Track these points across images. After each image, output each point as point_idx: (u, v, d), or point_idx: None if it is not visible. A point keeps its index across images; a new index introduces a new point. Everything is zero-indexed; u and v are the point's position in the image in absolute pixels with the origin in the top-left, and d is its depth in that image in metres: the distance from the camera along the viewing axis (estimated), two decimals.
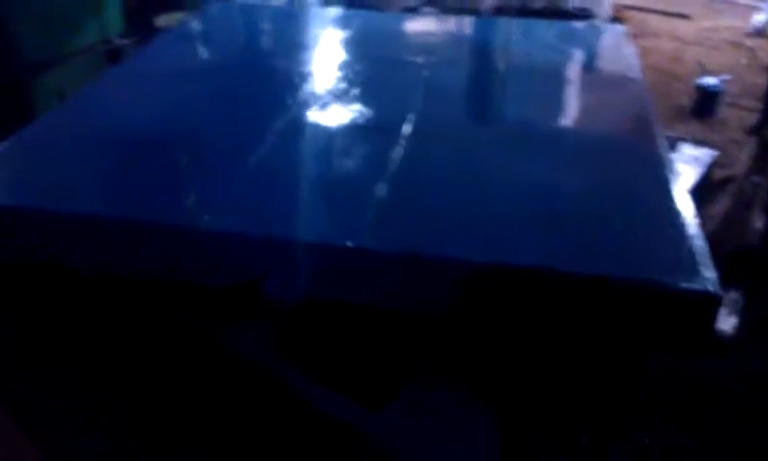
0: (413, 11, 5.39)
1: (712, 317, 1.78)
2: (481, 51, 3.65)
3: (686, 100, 5.38)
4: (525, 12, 5.29)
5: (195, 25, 4.03)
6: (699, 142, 3.90)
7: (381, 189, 2.20)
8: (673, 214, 2.05)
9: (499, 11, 5.15)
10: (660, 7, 8.04)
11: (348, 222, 2.04)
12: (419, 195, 2.21)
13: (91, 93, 3.09)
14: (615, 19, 6.76)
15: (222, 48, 3.69)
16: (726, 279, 1.80)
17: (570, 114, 2.82)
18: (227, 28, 3.97)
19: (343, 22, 3.91)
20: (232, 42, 3.80)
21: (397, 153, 2.42)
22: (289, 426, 2.21)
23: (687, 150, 3.17)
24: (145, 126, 2.64)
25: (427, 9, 5.58)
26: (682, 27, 7.53)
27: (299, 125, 2.68)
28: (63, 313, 2.52)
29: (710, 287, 1.75)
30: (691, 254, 1.86)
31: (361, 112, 2.75)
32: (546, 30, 3.80)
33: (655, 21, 7.67)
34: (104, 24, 4.72)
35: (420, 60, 3.34)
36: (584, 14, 5.41)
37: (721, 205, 3.60)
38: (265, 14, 4.23)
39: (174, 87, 3.08)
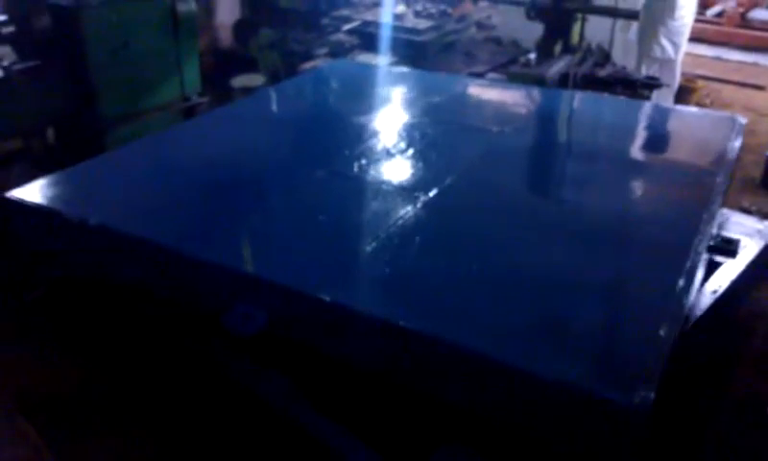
0: (479, 76, 5.47)
1: (636, 434, 1.66)
2: (549, 127, 3.70)
3: (758, 172, 5.22)
4: (592, 81, 5.28)
5: (293, 83, 4.54)
6: (766, 215, 3.76)
7: (373, 250, 2.31)
8: (643, 322, 1.97)
9: (565, 78, 5.15)
10: (735, 77, 7.87)
11: (325, 273, 2.16)
12: (403, 260, 2.29)
13: (173, 132, 3.66)
14: (686, 89, 6.67)
15: (310, 103, 4.06)
16: None
17: (613, 208, 2.75)
18: (323, 84, 4.32)
19: (422, 82, 4.22)
20: (321, 98, 4.09)
21: (411, 218, 2.52)
22: None
23: (751, 223, 3.07)
24: (204, 164, 3.01)
25: (492, 75, 5.66)
26: (757, 98, 7.33)
27: (336, 177, 2.91)
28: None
29: (634, 403, 1.63)
30: (634, 367, 1.76)
31: (399, 172, 2.92)
32: (643, 111, 3.86)
33: (729, 92, 7.50)
34: (182, 83, 4.99)
35: (483, 127, 3.46)
36: (653, 83, 5.34)
37: None
38: (360, 73, 4.60)
39: (247, 134, 3.43)
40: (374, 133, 3.34)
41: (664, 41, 5.86)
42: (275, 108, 3.96)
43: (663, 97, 5.87)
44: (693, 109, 3.82)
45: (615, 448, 1.71)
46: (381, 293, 2.14)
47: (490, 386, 1.86)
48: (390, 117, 3.59)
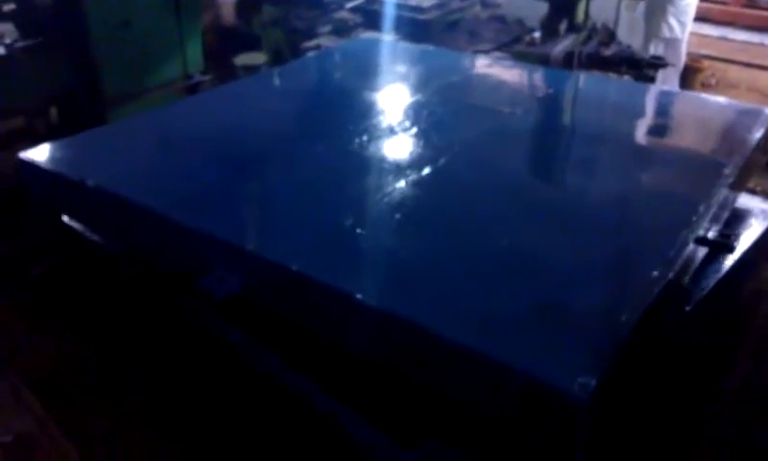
0: (484, 54, 5.43)
1: (579, 420, 1.67)
2: (565, 113, 3.70)
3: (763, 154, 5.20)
4: (597, 60, 5.24)
5: (311, 60, 4.64)
6: None
7: (349, 223, 2.36)
8: (603, 309, 1.97)
9: (569, 57, 5.11)
10: (740, 57, 7.81)
11: (296, 244, 2.23)
12: (374, 234, 2.34)
13: (180, 106, 3.83)
14: (692, 69, 6.62)
15: (323, 80, 4.09)
16: None
17: (602, 194, 2.74)
18: (340, 61, 4.34)
19: (439, 60, 4.28)
20: (335, 74, 4.13)
21: (396, 195, 2.56)
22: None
23: (755, 203, 3.06)
24: (206, 135, 3.10)
25: (498, 53, 5.62)
26: (762, 78, 7.28)
27: (333, 152, 2.97)
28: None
29: (576, 393, 1.62)
30: (581, 353, 1.76)
31: (397, 149, 2.96)
32: (662, 98, 3.84)
33: (734, 72, 7.45)
34: (185, 61, 4.96)
35: (490, 107, 3.47)
36: (658, 63, 5.30)
37: None
38: (379, 50, 4.61)
39: (255, 108, 3.50)
40: (381, 111, 3.37)
41: (672, 20, 5.82)
42: (285, 84, 3.97)
43: (669, 77, 5.83)
44: (719, 98, 3.69)
45: (562, 432, 1.72)
46: (342, 264, 2.17)
47: (440, 362, 1.88)
48: (399, 95, 3.62)
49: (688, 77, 6.53)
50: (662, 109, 3.75)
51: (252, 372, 2.42)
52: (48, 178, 2.79)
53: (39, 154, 2.84)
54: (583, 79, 4.12)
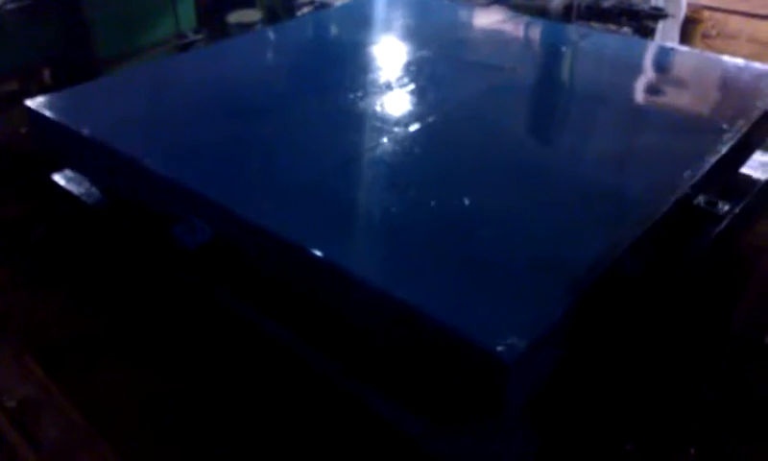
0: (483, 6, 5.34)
1: (500, 381, 1.69)
2: (575, 73, 3.58)
3: None
4: (595, 11, 5.17)
5: (320, 16, 4.59)
6: None
7: (332, 183, 2.38)
8: (552, 274, 1.94)
9: (568, 9, 5.04)
10: (741, 8, 7.70)
11: (257, 196, 2.26)
12: (337, 188, 2.35)
13: (184, 58, 3.92)
14: (692, 20, 6.53)
15: (328, 36, 4.03)
16: None
17: (584, 155, 2.70)
18: (348, 17, 4.28)
19: (449, 15, 4.27)
20: (340, 31, 4.05)
21: (375, 151, 2.57)
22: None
23: (756, 156, 3.04)
24: (207, 87, 3.15)
25: (495, 6, 5.53)
26: (763, 29, 7.20)
27: (325, 108, 2.97)
28: None
29: (500, 352, 1.64)
30: (516, 316, 1.77)
31: (389, 106, 2.93)
32: (674, 58, 3.67)
33: (734, 22, 7.35)
34: (177, 20, 4.89)
35: (493, 64, 3.41)
36: (658, 14, 5.22)
37: None
38: (390, 5, 4.44)
39: (256, 64, 3.54)
40: (379, 68, 3.34)
41: None
42: (290, 40, 3.95)
43: (669, 28, 5.75)
44: (738, 60, 3.51)
45: (490, 389, 1.74)
46: (297, 218, 2.20)
47: (381, 311, 1.92)
48: (403, 52, 3.57)
49: (688, 28, 6.43)
50: (669, 69, 3.63)
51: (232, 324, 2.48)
52: (48, 124, 2.90)
53: (42, 102, 2.97)
54: (580, 35, 3.99)
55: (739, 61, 3.49)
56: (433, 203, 2.28)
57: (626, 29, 4.87)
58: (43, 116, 2.88)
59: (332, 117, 2.89)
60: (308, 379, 2.22)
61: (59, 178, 3.08)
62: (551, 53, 3.74)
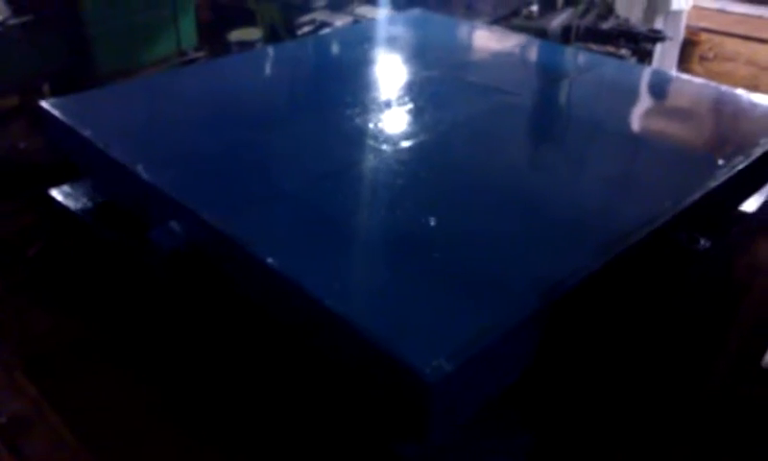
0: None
1: (423, 402, 1.66)
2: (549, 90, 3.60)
3: None
4: (594, 33, 5.20)
5: (346, 31, 4.76)
6: None
7: (302, 195, 2.42)
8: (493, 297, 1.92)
9: (567, 31, 5.08)
10: (738, 30, 7.77)
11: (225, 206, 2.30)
12: (297, 205, 2.38)
13: (204, 68, 4.08)
14: (690, 42, 6.58)
15: (344, 53, 4.04)
16: None
17: (556, 183, 2.66)
18: (368, 36, 4.30)
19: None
20: (356, 49, 4.03)
21: (353, 169, 2.60)
22: None
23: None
24: (205, 98, 3.23)
25: (495, 26, 5.57)
26: (761, 51, 7.25)
27: (318, 125, 2.99)
28: None
29: (423, 372, 1.62)
30: (447, 339, 1.74)
31: (383, 125, 2.95)
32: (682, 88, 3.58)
33: (732, 45, 7.41)
34: (178, 37, 4.92)
35: (492, 86, 3.42)
36: (656, 37, 5.26)
37: None
38: (415, 25, 4.52)
39: (264, 79, 3.66)
40: (382, 87, 3.38)
41: None
42: (293, 59, 4.00)
43: (667, 50, 5.79)
44: (747, 93, 3.44)
45: (414, 412, 1.73)
46: (254, 227, 2.22)
47: (322, 322, 1.92)
48: (399, 72, 3.61)
49: (686, 50, 6.49)
50: (672, 98, 3.58)
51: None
52: (58, 125, 3.02)
53: (54, 103, 3.10)
54: (580, 58, 4.02)
55: (748, 95, 3.44)
56: (396, 220, 2.32)
57: (624, 51, 4.91)
58: (51, 115, 3.02)
59: (322, 133, 2.92)
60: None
61: (56, 193, 3.09)
62: (547, 76, 3.76)
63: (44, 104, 3.09)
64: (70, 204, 3.02)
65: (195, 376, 2.67)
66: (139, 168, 2.55)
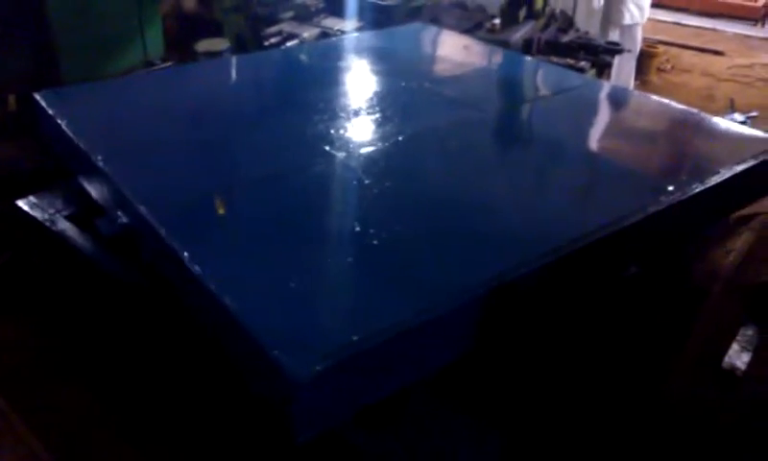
0: None
1: (285, 400, 1.65)
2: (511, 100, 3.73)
3: None
4: (555, 46, 5.34)
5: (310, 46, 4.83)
6: None
7: (236, 192, 2.50)
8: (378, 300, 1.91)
9: (529, 43, 5.21)
10: (694, 43, 8.03)
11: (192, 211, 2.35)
12: (238, 205, 2.46)
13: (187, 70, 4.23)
14: (647, 54, 6.78)
15: (331, 62, 4.05)
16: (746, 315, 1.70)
17: (496, 194, 2.66)
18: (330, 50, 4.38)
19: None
20: (321, 61, 4.13)
21: (304, 175, 2.62)
22: None
23: None
24: (180, 103, 3.34)
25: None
26: (716, 64, 7.51)
27: (280, 131, 3.03)
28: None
29: (288, 368, 1.60)
30: (322, 339, 1.72)
31: (347, 133, 2.98)
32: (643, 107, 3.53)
33: (688, 57, 7.66)
34: (145, 47, 4.93)
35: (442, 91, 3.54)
36: (614, 49, 5.42)
37: (743, 240, 3.58)
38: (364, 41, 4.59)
39: (244, 84, 3.80)
40: (349, 93, 3.47)
41: (632, 6, 5.89)
42: (287, 64, 4.14)
43: (625, 62, 5.97)
44: (714, 118, 3.33)
45: (278, 411, 1.74)
46: (180, 220, 2.27)
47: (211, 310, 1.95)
48: (366, 81, 3.68)
49: (645, 62, 6.68)
50: (639, 117, 3.52)
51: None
52: (44, 115, 3.14)
53: (44, 95, 3.23)
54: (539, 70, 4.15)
55: (715, 119, 3.35)
56: (320, 223, 2.34)
57: (584, 63, 5.05)
58: (42, 107, 3.15)
59: (281, 138, 2.95)
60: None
61: (23, 204, 3.09)
62: (503, 86, 3.90)
63: (37, 95, 3.22)
64: (37, 214, 3.03)
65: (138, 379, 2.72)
66: (97, 157, 2.63)
